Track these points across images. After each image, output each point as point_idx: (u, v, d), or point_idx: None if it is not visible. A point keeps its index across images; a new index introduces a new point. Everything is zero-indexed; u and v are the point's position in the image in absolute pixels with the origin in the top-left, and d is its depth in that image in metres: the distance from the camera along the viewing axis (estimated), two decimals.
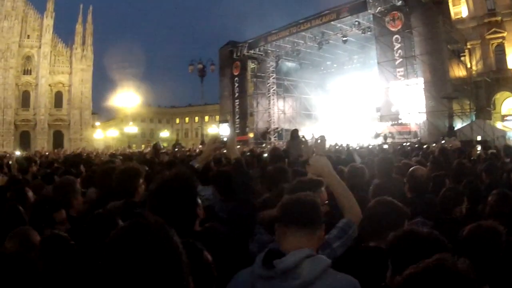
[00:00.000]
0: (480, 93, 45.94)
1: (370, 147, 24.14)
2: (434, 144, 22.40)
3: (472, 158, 11.44)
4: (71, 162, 10.56)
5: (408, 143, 27.37)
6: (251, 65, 52.75)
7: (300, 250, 2.46)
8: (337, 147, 25.26)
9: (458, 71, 39.10)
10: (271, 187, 5.06)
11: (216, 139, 4.91)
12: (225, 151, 5.75)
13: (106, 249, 1.39)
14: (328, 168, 3.54)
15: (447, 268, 1.71)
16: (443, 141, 26.19)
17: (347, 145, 25.10)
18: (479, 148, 13.35)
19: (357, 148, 23.09)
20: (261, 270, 2.48)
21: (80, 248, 3.13)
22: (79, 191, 4.99)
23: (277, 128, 50.94)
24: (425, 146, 21.84)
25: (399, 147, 23.14)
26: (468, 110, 37.48)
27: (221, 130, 8.38)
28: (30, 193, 5.27)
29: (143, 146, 50.80)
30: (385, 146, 21.67)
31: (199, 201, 2.88)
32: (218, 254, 2.57)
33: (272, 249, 2.57)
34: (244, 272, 2.62)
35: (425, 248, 2.32)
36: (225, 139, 4.75)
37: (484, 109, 42.51)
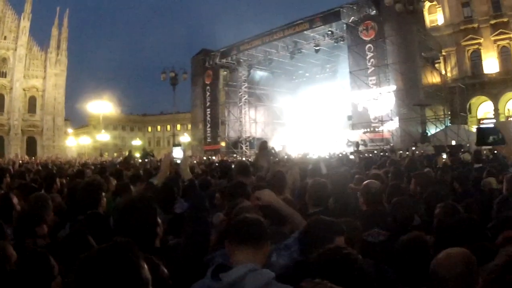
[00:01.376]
0: (454, 98, 46.27)
1: (340, 155, 23.82)
2: (406, 152, 22.38)
3: (438, 166, 11.49)
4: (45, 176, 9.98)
5: (380, 150, 27.35)
6: (223, 73, 52.39)
7: (244, 265, 2.68)
8: (308, 156, 25.02)
9: (432, 78, 39.21)
10: (229, 202, 5.19)
11: (170, 159, 5.43)
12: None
13: (83, 266, 1.65)
14: (273, 197, 4.06)
15: None
16: (413, 148, 26.30)
17: (315, 155, 24.76)
18: (444, 156, 13.63)
19: (328, 157, 22.84)
20: (210, 282, 2.68)
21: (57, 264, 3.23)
22: (51, 207, 5.17)
23: (248, 137, 50.64)
24: (400, 152, 21.86)
25: (366, 155, 23.04)
26: (442, 116, 37.47)
27: (175, 153, 8.15)
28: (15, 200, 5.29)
29: (115, 154, 50.04)
30: (351, 157, 21.27)
31: (159, 220, 3.24)
32: (175, 268, 3.06)
33: (221, 264, 2.80)
34: (196, 285, 2.80)
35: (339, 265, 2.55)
36: (178, 161, 5.28)
37: (459, 114, 42.67)
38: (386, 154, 23.12)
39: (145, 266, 1.73)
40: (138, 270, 1.69)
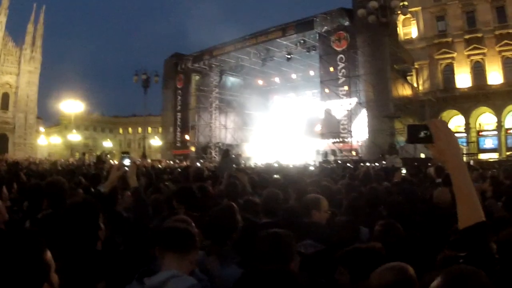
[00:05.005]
0: (425, 111, 46.70)
1: (304, 165, 23.84)
2: (366, 164, 22.24)
3: (395, 180, 11.17)
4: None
5: (345, 162, 27.32)
6: (195, 78, 52.26)
7: (168, 271, 2.85)
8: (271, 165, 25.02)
9: (403, 91, 39.41)
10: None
11: (120, 167, 5.34)
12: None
13: None
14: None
15: None
16: (383, 161, 26.25)
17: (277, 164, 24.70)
18: (404, 171, 13.14)
19: (292, 166, 22.90)
20: (135, 285, 2.83)
21: None
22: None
23: (218, 142, 50.32)
24: (361, 164, 21.71)
25: (327, 165, 22.94)
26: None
27: (124, 161, 8.13)
28: None
29: (86, 155, 49.53)
30: (311, 168, 21.12)
31: (102, 225, 3.39)
32: (117, 270, 3.17)
33: (148, 268, 2.94)
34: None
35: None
36: (127, 168, 5.28)
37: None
38: (348, 165, 22.92)
39: (48, 253, 1.94)
40: (39, 255, 1.89)
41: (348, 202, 6.39)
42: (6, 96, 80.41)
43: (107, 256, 3.38)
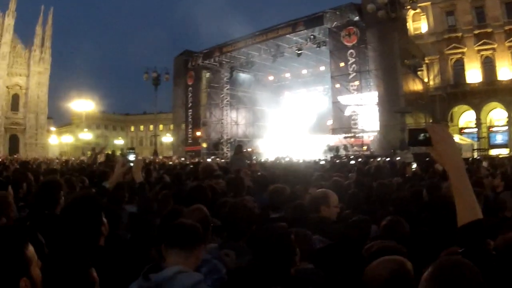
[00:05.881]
0: (436, 107, 46.57)
1: (316, 161, 23.80)
2: (379, 159, 22.26)
3: (407, 175, 11.37)
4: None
5: (356, 157, 27.32)
6: (205, 75, 52.20)
7: (174, 267, 2.83)
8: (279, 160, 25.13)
9: (414, 86, 39.30)
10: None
11: (125, 163, 5.41)
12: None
13: None
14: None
15: None
16: (396, 156, 26.21)
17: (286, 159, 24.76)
18: (414, 165, 13.61)
19: (301, 162, 22.95)
20: (141, 281, 2.80)
21: None
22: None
23: (229, 139, 50.37)
24: (371, 160, 21.71)
25: (339, 160, 22.96)
26: (423, 124, 37.52)
27: (130, 156, 8.15)
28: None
29: (88, 152, 49.57)
30: (322, 162, 21.17)
31: (104, 220, 3.27)
32: (118, 267, 3.04)
33: (155, 265, 2.90)
34: (133, 284, 2.87)
35: None
36: (132, 164, 5.25)
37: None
38: (360, 160, 22.94)
39: (30, 247, 1.94)
40: (18, 249, 1.88)
41: (348, 199, 6.43)
42: (16, 97, 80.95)
43: (110, 252, 3.28)
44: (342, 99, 37.40)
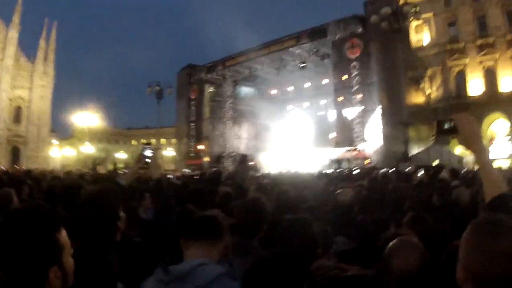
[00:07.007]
0: (438, 119, 46.36)
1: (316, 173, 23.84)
2: (384, 170, 22.18)
3: (413, 182, 11.31)
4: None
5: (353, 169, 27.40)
6: (208, 89, 52.42)
7: (194, 259, 2.74)
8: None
9: (416, 98, 39.35)
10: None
11: (140, 160, 5.39)
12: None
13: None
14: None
15: None
16: (399, 168, 26.15)
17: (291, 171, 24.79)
18: (420, 173, 13.63)
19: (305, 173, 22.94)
20: (160, 275, 2.71)
21: None
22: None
23: (232, 152, 50.25)
24: (377, 170, 21.68)
25: (343, 170, 22.94)
26: (426, 136, 37.52)
27: (146, 152, 8.21)
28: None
29: (90, 165, 49.67)
30: (328, 171, 21.27)
31: (122, 214, 3.17)
32: (134, 262, 3.11)
33: (174, 258, 2.82)
34: (151, 278, 2.80)
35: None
36: (148, 160, 5.25)
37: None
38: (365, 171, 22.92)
39: (63, 232, 1.77)
40: (51, 234, 1.70)
41: (360, 202, 6.30)
42: (18, 109, 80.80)
43: (126, 248, 3.26)
44: (345, 111, 37.44)
